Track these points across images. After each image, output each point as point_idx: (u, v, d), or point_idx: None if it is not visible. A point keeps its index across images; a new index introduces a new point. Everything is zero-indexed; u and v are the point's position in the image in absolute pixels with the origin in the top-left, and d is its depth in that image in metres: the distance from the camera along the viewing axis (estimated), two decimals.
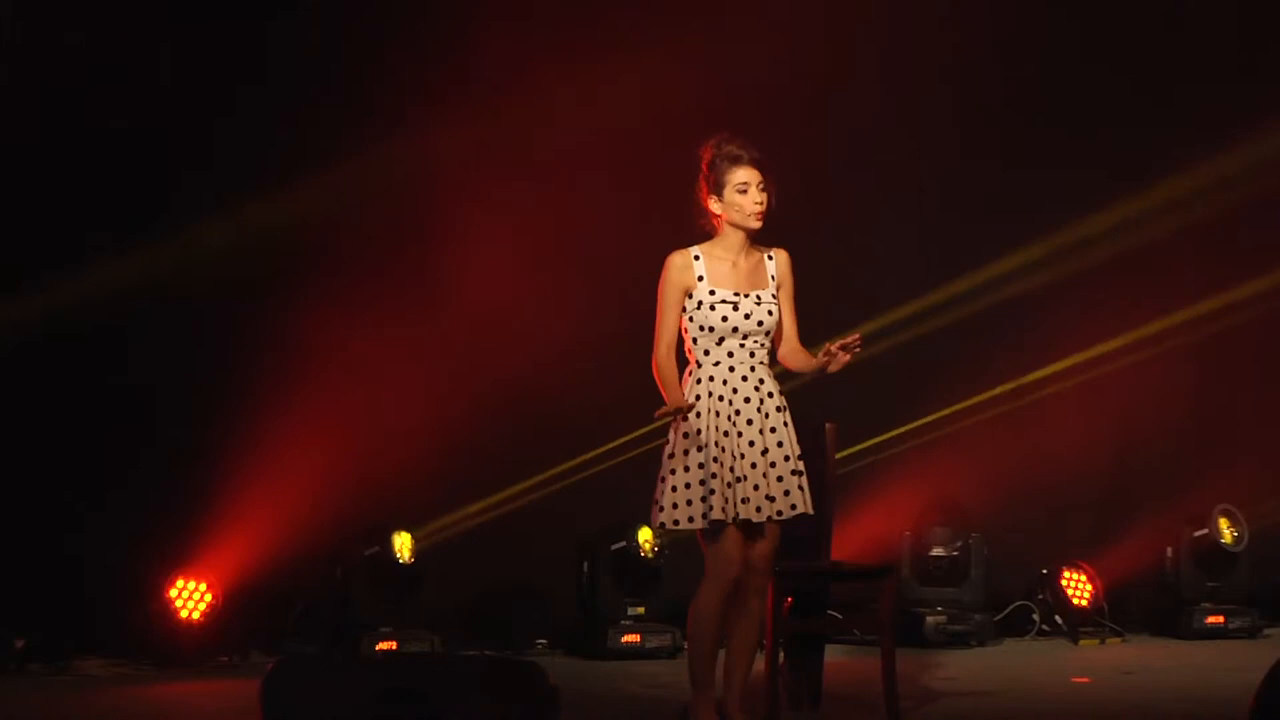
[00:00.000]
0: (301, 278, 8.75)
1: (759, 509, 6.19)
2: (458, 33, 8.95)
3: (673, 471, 6.22)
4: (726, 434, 6.21)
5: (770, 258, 6.36)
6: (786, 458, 6.25)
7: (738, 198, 6.26)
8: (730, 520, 6.16)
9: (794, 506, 6.24)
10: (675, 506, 6.20)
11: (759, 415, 6.23)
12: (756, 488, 6.19)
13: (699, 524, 6.18)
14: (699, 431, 6.19)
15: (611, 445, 8.90)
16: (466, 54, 8.93)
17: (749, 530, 6.23)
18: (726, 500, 6.15)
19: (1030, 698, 7.70)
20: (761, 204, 6.25)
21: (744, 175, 6.25)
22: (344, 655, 8.20)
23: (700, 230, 6.34)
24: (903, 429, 9.51)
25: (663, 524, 6.24)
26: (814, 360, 6.25)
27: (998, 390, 9.71)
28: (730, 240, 6.31)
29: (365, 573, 8.62)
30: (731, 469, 6.18)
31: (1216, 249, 9.90)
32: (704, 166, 6.31)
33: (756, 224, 6.27)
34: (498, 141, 8.90)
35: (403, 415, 8.79)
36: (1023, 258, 9.71)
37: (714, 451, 6.17)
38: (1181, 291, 9.85)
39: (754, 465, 6.19)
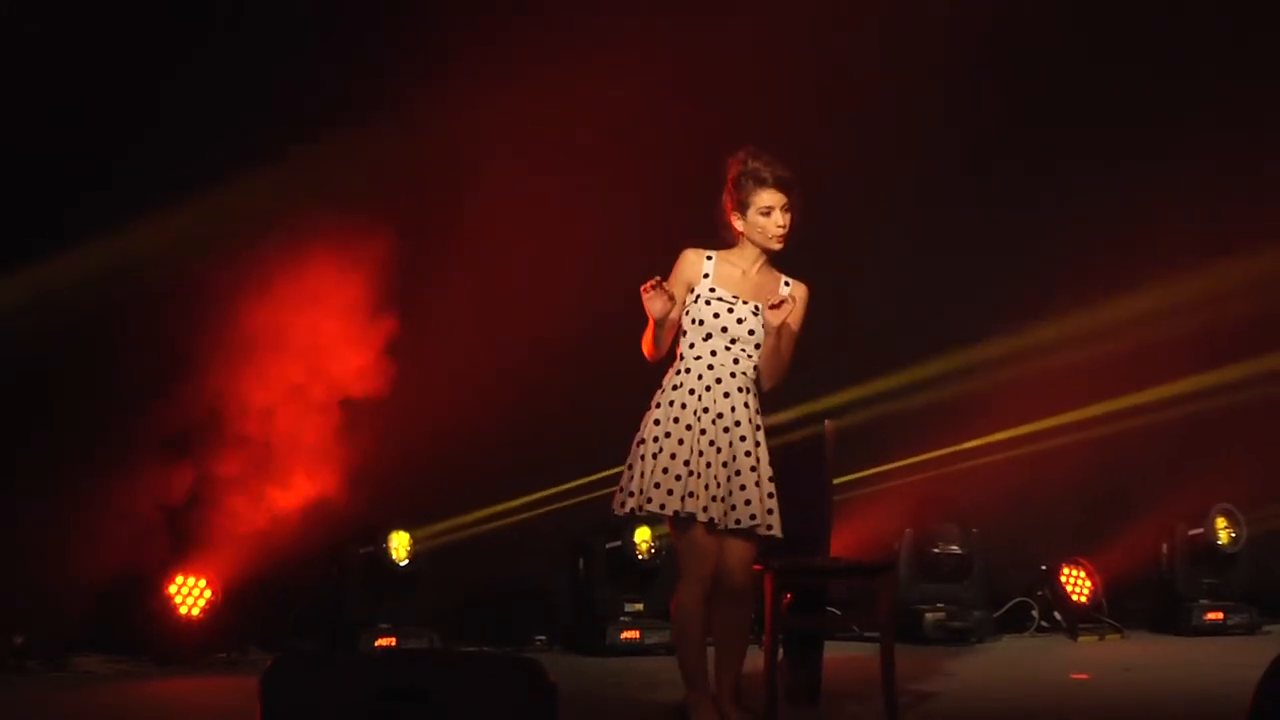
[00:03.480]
0: (303, 274, 8.74)
1: (706, 509, 6.13)
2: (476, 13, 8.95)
3: (641, 458, 6.20)
4: (689, 428, 6.17)
5: (787, 284, 6.33)
6: (754, 468, 6.20)
7: (761, 220, 6.24)
8: (672, 514, 6.12)
9: (754, 517, 6.16)
10: (632, 495, 6.17)
11: (730, 418, 6.19)
12: (708, 488, 6.13)
13: (643, 508, 6.13)
14: (672, 420, 6.17)
15: (614, 445, 8.87)
16: (479, 41, 8.92)
17: (720, 530, 6.20)
18: (671, 493, 6.12)
19: (1029, 695, 7.70)
20: (784, 227, 6.23)
21: (768, 199, 6.22)
22: (343, 652, 8.19)
23: (722, 240, 6.33)
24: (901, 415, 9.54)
25: (625, 509, 6.20)
26: (767, 341, 6.19)
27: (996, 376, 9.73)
28: (747, 253, 6.30)
29: (362, 571, 8.62)
30: (686, 463, 6.15)
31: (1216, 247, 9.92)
32: (729, 181, 6.28)
33: (777, 246, 6.27)
34: (508, 136, 8.88)
35: (403, 416, 8.78)
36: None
37: (672, 445, 6.15)
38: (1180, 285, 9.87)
39: (709, 465, 6.15)
